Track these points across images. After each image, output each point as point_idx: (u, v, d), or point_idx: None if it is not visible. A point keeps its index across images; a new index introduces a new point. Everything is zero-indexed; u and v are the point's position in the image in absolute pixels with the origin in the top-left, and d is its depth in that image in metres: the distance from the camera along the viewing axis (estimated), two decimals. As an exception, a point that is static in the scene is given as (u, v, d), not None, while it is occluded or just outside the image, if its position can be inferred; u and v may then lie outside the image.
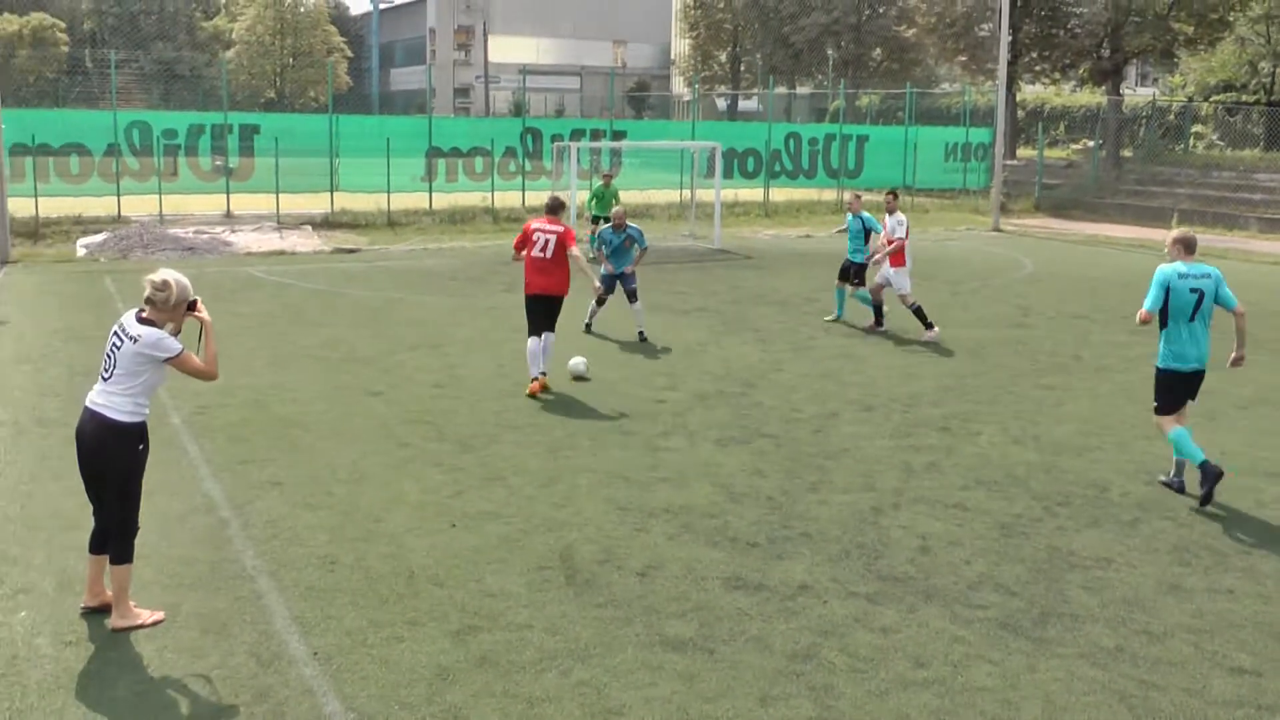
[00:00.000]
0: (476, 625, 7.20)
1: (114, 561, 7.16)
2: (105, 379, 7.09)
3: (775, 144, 40.12)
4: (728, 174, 33.72)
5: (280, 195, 31.04)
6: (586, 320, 16.86)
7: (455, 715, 6.19)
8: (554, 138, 35.18)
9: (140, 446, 7.15)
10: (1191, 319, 9.74)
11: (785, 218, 36.38)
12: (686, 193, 34.26)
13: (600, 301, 16.42)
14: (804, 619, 7.38)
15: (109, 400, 7.04)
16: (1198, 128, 49.45)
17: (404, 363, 14.78)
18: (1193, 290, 9.69)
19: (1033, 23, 47.33)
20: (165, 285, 7.06)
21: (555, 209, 13.45)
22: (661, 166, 38.04)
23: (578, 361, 14.10)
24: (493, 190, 34.70)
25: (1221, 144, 48.25)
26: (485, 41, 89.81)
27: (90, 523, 7.38)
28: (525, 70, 45.29)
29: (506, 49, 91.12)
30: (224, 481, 9.99)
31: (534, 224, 13.33)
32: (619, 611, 7.44)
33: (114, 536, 7.16)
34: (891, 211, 16.91)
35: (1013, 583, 8.01)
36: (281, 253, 26.48)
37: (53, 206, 29.48)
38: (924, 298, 17.62)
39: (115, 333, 7.15)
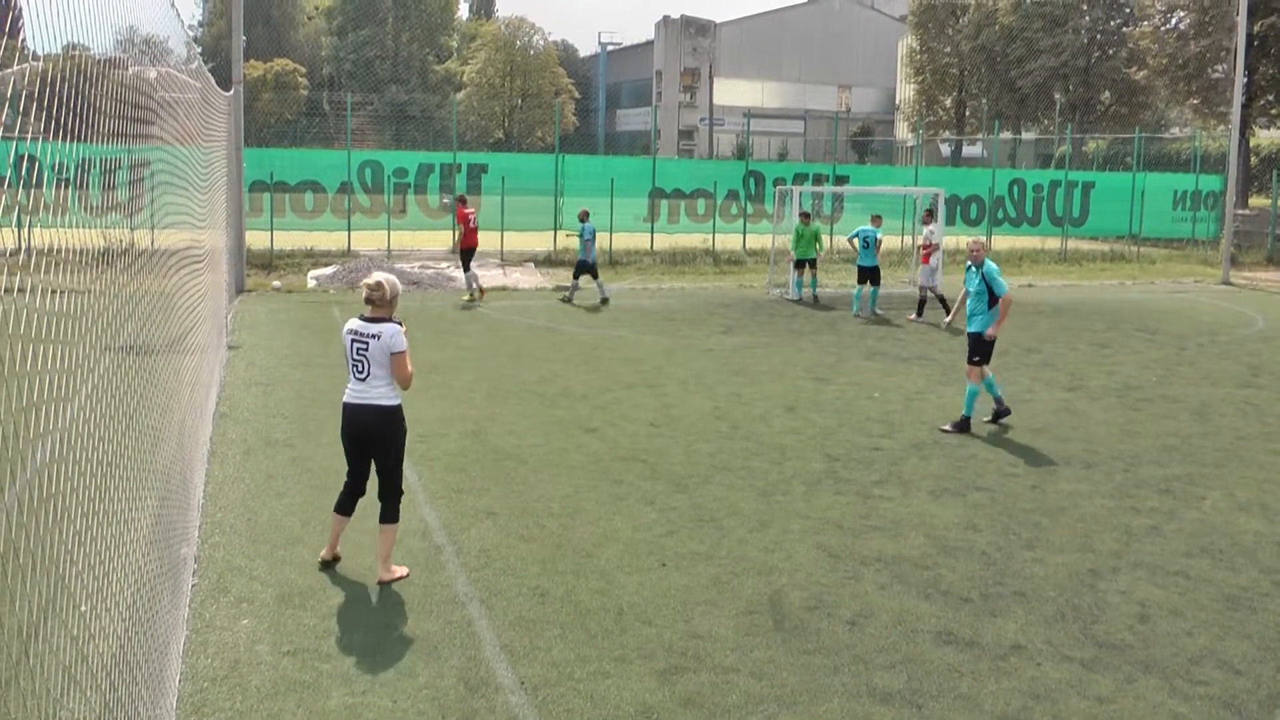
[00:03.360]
0: (683, 665, 7.22)
1: (384, 521, 8.49)
2: (362, 378, 8.26)
3: (999, 190, 39.46)
4: (950, 220, 33.21)
5: (505, 233, 31.83)
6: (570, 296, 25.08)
7: (658, 754, 6.20)
8: (776, 181, 35.23)
9: (404, 423, 8.50)
10: None
11: (1008, 266, 35.54)
12: (908, 238, 33.91)
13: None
14: (1015, 680, 7.18)
15: (375, 391, 8.33)
16: None
17: (620, 400, 14.96)
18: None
19: (1270, 63, 45.21)
20: (379, 285, 8.28)
21: (462, 201, 25.71)
22: (884, 212, 37.65)
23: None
24: (714, 232, 34.92)
25: None
26: (710, 84, 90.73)
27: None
28: (749, 113, 45.52)
29: (731, 92, 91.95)
30: (440, 509, 10.26)
31: (466, 211, 24.96)
32: (827, 659, 7.37)
33: (386, 500, 8.49)
34: (926, 223, 24.01)
35: (1238, 660, 7.61)
36: (504, 289, 27.15)
37: (287, 240, 30.99)
38: (1148, 353, 17.22)
39: (354, 340, 8.22)
